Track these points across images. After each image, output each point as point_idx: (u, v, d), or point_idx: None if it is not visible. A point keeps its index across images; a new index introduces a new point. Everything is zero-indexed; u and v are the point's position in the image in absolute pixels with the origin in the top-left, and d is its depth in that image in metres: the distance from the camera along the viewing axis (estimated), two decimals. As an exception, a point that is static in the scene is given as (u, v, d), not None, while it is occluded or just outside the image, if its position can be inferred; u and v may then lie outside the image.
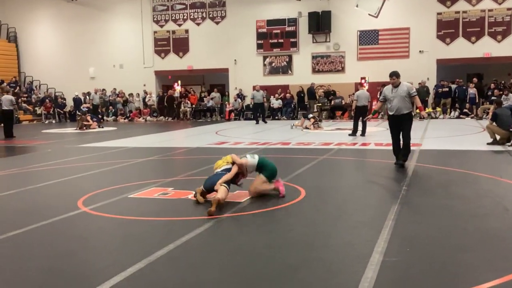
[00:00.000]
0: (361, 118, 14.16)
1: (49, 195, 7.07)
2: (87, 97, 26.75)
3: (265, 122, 21.33)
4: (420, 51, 23.30)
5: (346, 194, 6.88)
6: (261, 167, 6.53)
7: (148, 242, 4.70)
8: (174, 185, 7.26)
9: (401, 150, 8.80)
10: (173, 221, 5.48)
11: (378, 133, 15.75)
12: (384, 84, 22.80)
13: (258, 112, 21.55)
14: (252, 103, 21.63)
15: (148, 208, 6.14)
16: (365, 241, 4.54)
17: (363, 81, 23.49)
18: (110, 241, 4.84)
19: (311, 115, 18.36)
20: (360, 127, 14.61)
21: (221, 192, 5.85)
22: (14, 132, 16.96)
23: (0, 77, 27.28)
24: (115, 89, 26.83)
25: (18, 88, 27.67)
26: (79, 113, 22.01)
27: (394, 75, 8.73)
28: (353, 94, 23.68)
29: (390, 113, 8.80)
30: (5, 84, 26.78)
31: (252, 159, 6.53)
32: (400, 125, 8.76)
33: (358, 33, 24.08)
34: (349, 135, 14.56)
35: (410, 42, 23.48)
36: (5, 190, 7.32)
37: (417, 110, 9.78)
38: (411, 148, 9.01)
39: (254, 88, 21.91)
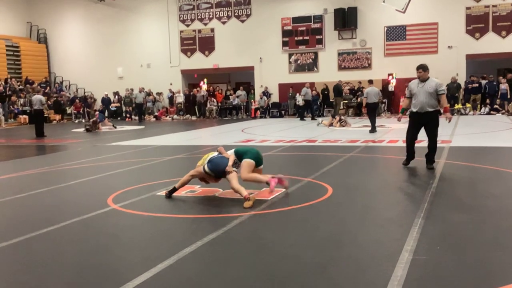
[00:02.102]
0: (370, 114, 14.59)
1: (80, 192, 7.22)
2: (116, 96, 27.17)
3: (315, 119, 21.13)
4: (449, 47, 22.90)
5: (374, 191, 6.82)
6: (240, 155, 6.49)
7: (176, 238, 4.75)
8: (201, 183, 7.30)
9: (427, 155, 8.16)
10: (201, 218, 5.53)
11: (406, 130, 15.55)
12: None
13: (307, 109, 21.62)
14: (300, 100, 21.76)
15: (176, 205, 6.21)
16: (394, 239, 4.49)
17: (390, 77, 23.25)
18: (139, 238, 4.92)
19: (336, 115, 18.34)
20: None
21: (237, 186, 6.03)
22: (45, 132, 17.34)
23: (31, 77, 27.93)
24: (143, 88, 27.10)
25: (48, 88, 28.27)
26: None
27: (421, 68, 8.04)
28: (379, 91, 23.61)
29: (414, 110, 8.09)
30: (36, 84, 27.42)
31: (231, 152, 6.54)
32: (422, 124, 8.10)
33: (385, 29, 23.81)
34: (370, 132, 14.65)
35: (439, 37, 23.10)
36: (38, 188, 7.50)
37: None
38: (442, 145, 8.60)
39: (304, 85, 22.01)
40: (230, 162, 6.31)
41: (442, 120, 8.26)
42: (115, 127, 20.13)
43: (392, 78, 23.27)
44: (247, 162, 6.43)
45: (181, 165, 10.05)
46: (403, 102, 8.79)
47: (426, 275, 3.67)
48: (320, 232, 4.85)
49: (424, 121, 8.06)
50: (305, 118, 21.41)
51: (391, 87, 23.45)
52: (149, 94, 26.85)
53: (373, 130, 14.68)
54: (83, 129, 19.58)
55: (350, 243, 4.46)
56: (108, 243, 4.72)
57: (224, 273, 3.83)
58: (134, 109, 25.41)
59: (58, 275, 3.89)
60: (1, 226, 5.51)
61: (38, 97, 17.71)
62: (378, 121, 15.52)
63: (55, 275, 3.90)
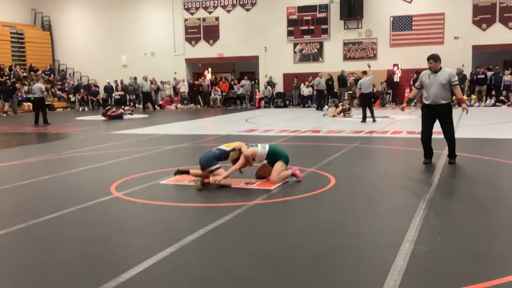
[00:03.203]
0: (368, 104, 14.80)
1: (83, 180, 7.24)
2: (119, 85, 27.16)
3: (319, 109, 21.04)
4: (455, 37, 22.74)
5: (377, 182, 6.81)
6: (275, 155, 6.54)
7: (178, 227, 4.77)
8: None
9: (449, 150, 7.78)
10: (203, 207, 5.54)
11: (411, 121, 15.52)
12: (417, 71, 22.48)
13: (322, 99, 21.55)
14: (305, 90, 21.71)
15: (179, 194, 6.23)
16: (395, 230, 4.49)
17: (395, 68, 23.14)
18: (142, 226, 4.94)
19: (340, 104, 18.34)
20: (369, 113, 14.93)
21: (223, 180, 6.19)
22: (49, 119, 17.36)
23: (35, 65, 27.94)
24: (147, 76, 27.04)
25: (52, 76, 28.28)
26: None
27: (432, 58, 7.60)
28: (384, 81, 23.55)
29: (426, 102, 7.71)
30: (40, 72, 27.43)
31: (262, 149, 6.54)
32: (435, 117, 7.69)
33: (391, 19, 23.65)
34: (361, 122, 14.85)
35: (445, 28, 22.94)
36: (41, 175, 7.52)
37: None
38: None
39: (318, 74, 21.93)
40: (226, 174, 6.27)
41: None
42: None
43: (398, 68, 23.15)
44: (282, 165, 6.47)
45: (184, 154, 10.07)
46: (410, 93, 8.36)
47: (426, 265, 3.67)
48: (321, 222, 4.85)
49: (437, 114, 7.66)
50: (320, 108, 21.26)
51: (396, 78, 23.34)
52: (152, 82, 26.80)
53: (364, 120, 14.90)
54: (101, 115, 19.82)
55: (351, 233, 4.46)
56: (111, 230, 4.74)
57: (225, 261, 3.85)
58: (144, 97, 25.16)
59: (60, 262, 3.92)
60: (4, 212, 5.54)
61: (38, 85, 17.68)
62: (384, 112, 15.51)
63: (57, 262, 3.92)
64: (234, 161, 6.56)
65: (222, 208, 5.36)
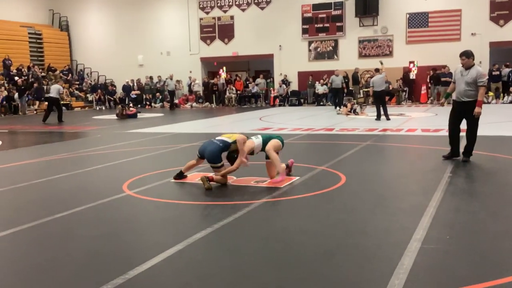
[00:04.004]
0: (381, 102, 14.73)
1: (96, 178, 7.35)
2: (135, 84, 27.39)
3: (339, 108, 20.97)
4: (472, 34, 22.43)
5: (388, 180, 6.79)
6: (268, 141, 6.63)
7: (187, 224, 4.82)
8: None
9: (465, 147, 7.71)
10: (212, 205, 5.58)
11: (427, 119, 15.39)
12: (434, 68, 22.28)
13: (337, 97, 21.40)
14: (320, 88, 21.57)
15: (189, 192, 6.29)
16: (404, 228, 4.48)
17: (411, 65, 22.94)
18: (151, 223, 5.00)
19: (350, 102, 18.28)
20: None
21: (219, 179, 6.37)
22: (67, 118, 17.60)
23: (53, 65, 28.32)
24: (159, 76, 27.24)
25: (70, 75, 28.64)
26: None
27: (464, 54, 7.53)
28: (400, 79, 23.36)
29: (453, 97, 7.86)
30: (58, 72, 27.80)
31: (257, 140, 6.63)
32: (461, 113, 7.65)
33: (407, 15, 23.44)
34: (375, 120, 14.80)
35: (462, 24, 22.65)
36: (56, 173, 7.65)
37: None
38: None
39: (333, 72, 21.71)
40: (223, 172, 6.38)
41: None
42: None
43: (414, 66, 22.95)
44: (276, 141, 6.62)
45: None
46: (449, 88, 8.23)
47: (433, 264, 3.66)
48: (330, 220, 4.86)
49: (462, 110, 7.61)
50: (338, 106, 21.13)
51: (412, 75, 23.14)
52: (178, 81, 26.99)
53: (378, 118, 14.82)
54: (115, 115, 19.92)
55: (358, 232, 4.46)
56: (121, 228, 4.81)
57: (233, 259, 3.88)
58: (170, 96, 25.23)
59: (71, 259, 3.99)
60: (18, 210, 5.65)
61: (56, 86, 17.98)
62: (400, 110, 15.41)
63: (68, 258, 3.99)
64: (231, 154, 6.53)
65: (231, 206, 5.39)
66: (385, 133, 11.87)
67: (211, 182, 6.27)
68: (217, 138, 6.65)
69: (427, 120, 14.99)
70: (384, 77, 15.07)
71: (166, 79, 25.52)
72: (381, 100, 14.99)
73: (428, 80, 22.98)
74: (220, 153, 6.47)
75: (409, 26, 23.55)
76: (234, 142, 6.48)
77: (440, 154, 8.23)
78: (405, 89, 23.54)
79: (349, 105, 17.66)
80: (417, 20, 23.40)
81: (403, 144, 10.29)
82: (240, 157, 6.40)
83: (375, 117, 14.92)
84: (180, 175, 6.83)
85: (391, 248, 3.99)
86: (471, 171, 7.21)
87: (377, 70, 15.35)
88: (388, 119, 14.65)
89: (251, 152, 6.57)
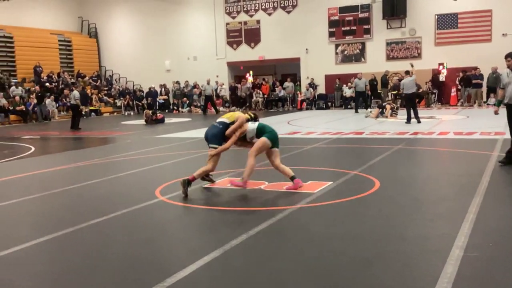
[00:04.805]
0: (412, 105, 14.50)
1: (129, 184, 7.40)
2: (163, 89, 27.63)
3: (367, 109, 20.78)
4: (503, 34, 21.91)
5: (423, 185, 6.64)
6: (262, 132, 6.42)
7: (222, 231, 4.79)
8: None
9: (508, 151, 7.46)
10: (247, 211, 5.55)
11: (458, 122, 15.10)
12: (464, 70, 21.85)
13: (359, 100, 21.25)
14: (348, 91, 21.38)
15: (222, 198, 6.27)
16: (444, 235, 4.36)
17: (440, 67, 22.56)
18: (186, 230, 4.99)
19: (385, 103, 18.06)
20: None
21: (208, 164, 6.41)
22: (96, 124, 17.82)
23: (82, 71, 28.82)
24: (187, 81, 27.44)
25: (99, 81, 29.07)
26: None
27: (510, 56, 7.35)
28: (429, 81, 22.99)
29: (505, 101, 7.50)
30: (87, 78, 28.27)
31: (252, 125, 6.48)
32: None
33: (436, 17, 23.06)
34: (405, 123, 14.57)
35: (492, 25, 22.15)
36: (88, 179, 7.73)
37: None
38: (495, 137, 7.92)
39: (356, 76, 21.57)
40: (214, 152, 6.36)
41: (501, 110, 7.84)
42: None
43: (443, 68, 22.56)
44: (264, 141, 6.31)
45: (227, 157, 10.10)
46: (499, 95, 7.92)
47: (477, 273, 3.54)
48: (366, 226, 4.76)
49: None
50: (364, 108, 20.94)
51: (442, 77, 22.75)
52: (194, 86, 27.14)
53: (408, 121, 14.61)
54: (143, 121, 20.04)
55: (397, 238, 4.36)
56: (155, 234, 4.81)
57: (269, 266, 3.83)
58: (206, 101, 25.22)
59: (107, 265, 4.00)
60: (54, 216, 5.72)
61: (74, 93, 18.27)
62: (430, 112, 15.16)
63: (105, 265, 4.01)
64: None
65: (266, 212, 5.34)
66: (416, 136, 11.67)
67: (194, 180, 6.28)
68: (217, 120, 6.65)
69: (458, 123, 14.69)
70: (415, 79, 14.84)
71: (201, 85, 25.59)
72: (412, 102, 14.78)
73: (458, 82, 22.54)
74: (221, 135, 6.45)
75: (438, 27, 23.16)
76: (233, 122, 6.45)
77: (474, 158, 8.04)
78: (434, 91, 23.15)
79: (388, 107, 17.46)
80: (446, 21, 23.00)
81: (436, 148, 10.09)
82: (234, 137, 6.36)
83: (405, 120, 14.70)
84: (204, 178, 6.76)
85: (432, 255, 3.89)
86: (509, 174, 7.00)
87: (407, 73, 15.14)
88: (418, 122, 14.43)
89: (243, 136, 6.48)
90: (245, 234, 4.54)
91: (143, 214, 5.58)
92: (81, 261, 4.12)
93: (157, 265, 3.94)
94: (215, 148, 6.43)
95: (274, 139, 6.39)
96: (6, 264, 4.12)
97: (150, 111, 20.43)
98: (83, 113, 22.08)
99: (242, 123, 6.41)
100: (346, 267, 3.74)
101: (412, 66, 15.49)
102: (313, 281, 3.52)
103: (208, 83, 24.93)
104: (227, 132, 6.41)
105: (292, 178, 6.36)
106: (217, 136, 6.47)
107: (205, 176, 6.75)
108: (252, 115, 6.65)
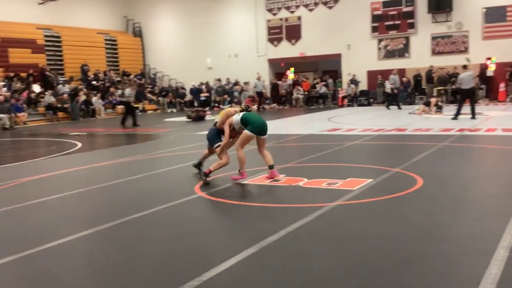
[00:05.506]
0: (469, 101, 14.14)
1: (169, 180, 7.51)
2: (204, 86, 27.91)
3: (400, 108, 20.48)
4: (555, 27, 20.97)
5: (468, 183, 6.43)
6: (245, 122, 6.78)
7: (260, 227, 4.78)
8: (285, 172, 7.31)
9: None
10: (284, 207, 5.52)
11: (506, 118, 14.55)
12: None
13: (394, 97, 20.95)
14: (389, 87, 21.05)
15: (260, 194, 6.27)
16: (489, 234, 4.20)
17: (488, 62, 21.81)
18: (224, 225, 5.01)
19: (432, 99, 17.66)
20: (463, 111, 14.28)
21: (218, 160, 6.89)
22: (141, 121, 18.20)
23: (127, 69, 29.48)
24: (228, 79, 27.62)
25: (143, 79, 29.67)
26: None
27: None
28: (477, 76, 22.25)
29: None
30: (132, 76, 28.88)
31: (237, 117, 6.86)
32: None
33: (483, 10, 22.29)
34: (452, 119, 14.15)
35: (544, 17, 21.23)
36: (131, 174, 7.90)
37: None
38: None
39: (391, 72, 21.22)
40: (219, 149, 6.90)
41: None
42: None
43: (491, 62, 21.78)
44: (245, 134, 6.76)
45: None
46: None
47: (524, 275, 3.39)
48: (408, 224, 4.65)
49: None
50: (390, 107, 20.59)
51: (489, 72, 21.97)
52: (235, 83, 27.28)
53: (456, 116, 14.20)
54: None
55: (440, 237, 4.23)
56: (193, 229, 4.85)
57: (306, 263, 3.80)
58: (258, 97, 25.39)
59: (146, 259, 4.07)
60: (95, 211, 5.87)
61: (126, 90, 18.67)
62: (477, 108, 14.68)
63: (143, 259, 4.07)
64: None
65: (304, 209, 5.30)
66: (462, 133, 11.32)
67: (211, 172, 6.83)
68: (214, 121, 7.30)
69: (507, 119, 14.16)
70: (473, 74, 14.43)
71: (252, 82, 25.79)
72: (470, 98, 14.35)
73: (507, 77, 21.73)
74: (217, 134, 7.08)
75: (485, 21, 22.38)
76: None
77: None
78: (482, 87, 22.40)
79: (433, 100, 17.08)
80: (494, 15, 22.19)
81: (482, 145, 9.76)
82: (226, 129, 6.84)
83: (453, 116, 14.25)
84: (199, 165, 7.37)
85: (476, 255, 3.75)
86: (561, 173, 6.69)
87: (465, 67, 14.72)
88: (473, 117, 13.98)
89: (234, 128, 6.91)
90: (282, 230, 4.52)
91: (182, 209, 5.65)
92: (121, 254, 4.20)
93: (194, 260, 3.97)
94: (216, 147, 7.01)
95: (258, 130, 6.79)
96: (50, 257, 4.25)
97: (196, 109, 20.76)
98: (138, 109, 22.75)
99: (227, 116, 6.94)
100: (385, 266, 3.66)
101: (468, 61, 15.10)
102: (350, 279, 3.47)
103: (259, 79, 25.03)
104: (218, 124, 7.07)
105: (270, 167, 6.82)
106: (215, 135, 7.11)
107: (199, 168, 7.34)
108: (244, 107, 7.16)
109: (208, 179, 6.86)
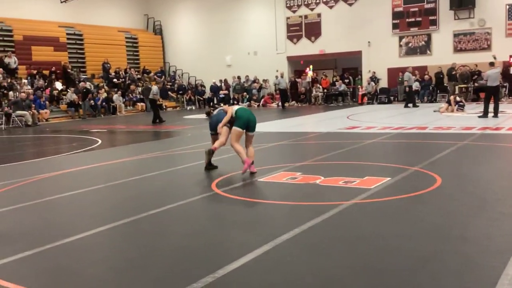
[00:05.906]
0: (493, 98, 13.78)
1: (187, 176, 7.55)
2: (223, 84, 27.97)
3: (416, 106, 20.29)
4: None
5: (488, 183, 6.33)
6: (236, 117, 7.09)
7: (274, 225, 4.79)
8: (302, 170, 7.30)
9: None
10: (300, 205, 5.51)
11: (530, 116, 14.27)
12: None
13: (412, 96, 20.77)
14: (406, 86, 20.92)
15: (276, 192, 6.26)
16: (507, 235, 4.14)
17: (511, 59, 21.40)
18: (239, 222, 5.02)
19: (451, 97, 17.44)
20: (491, 109, 13.95)
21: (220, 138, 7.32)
22: (163, 118, 18.36)
23: (148, 67, 29.72)
24: (247, 76, 27.63)
25: (163, 77, 29.86)
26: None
27: None
28: (500, 74, 21.83)
29: None
30: (152, 74, 29.11)
31: (235, 107, 7.35)
32: None
33: (507, 7, 21.86)
34: (479, 117, 13.88)
35: None
36: (149, 171, 7.97)
37: None
38: None
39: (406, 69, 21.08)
40: (225, 120, 7.21)
41: None
42: None
43: (515, 59, 21.37)
44: (234, 131, 7.11)
45: (285, 151, 10.11)
46: None
47: (543, 276, 3.33)
48: (425, 224, 4.60)
49: None
50: (409, 105, 20.35)
51: (513, 70, 21.55)
52: (254, 81, 27.28)
53: (485, 115, 13.93)
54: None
55: (457, 237, 4.18)
56: (210, 226, 4.88)
57: (321, 262, 3.79)
58: (281, 95, 25.36)
59: (162, 255, 4.10)
60: (114, 207, 5.94)
61: (153, 88, 18.84)
62: (499, 107, 14.42)
63: (159, 255, 4.11)
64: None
65: (319, 207, 5.28)
66: (484, 131, 11.14)
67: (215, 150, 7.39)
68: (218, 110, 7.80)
69: (531, 118, 13.88)
70: (499, 71, 14.19)
71: (275, 80, 25.89)
72: (495, 95, 14.09)
73: (530, 75, 21.29)
74: (217, 124, 7.43)
75: (509, 17, 21.95)
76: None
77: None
78: (505, 84, 21.99)
79: (452, 98, 16.87)
80: (519, 11, 21.75)
81: (504, 144, 9.59)
82: (226, 118, 7.21)
83: (481, 114, 14.01)
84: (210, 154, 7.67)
85: (493, 256, 3.69)
86: None
87: (491, 64, 14.47)
88: (495, 116, 13.74)
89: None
90: (297, 228, 4.51)
91: (199, 206, 5.69)
92: (137, 250, 4.25)
93: (209, 256, 3.99)
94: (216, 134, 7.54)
95: (243, 124, 7.07)
96: (68, 251, 4.32)
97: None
98: (163, 106, 22.98)
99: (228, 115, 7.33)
100: (401, 265, 3.63)
101: (495, 58, 14.86)
102: (365, 278, 3.45)
103: (282, 76, 25.01)
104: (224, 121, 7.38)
105: (250, 161, 7.03)
106: (216, 123, 7.49)
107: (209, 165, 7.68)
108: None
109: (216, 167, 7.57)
